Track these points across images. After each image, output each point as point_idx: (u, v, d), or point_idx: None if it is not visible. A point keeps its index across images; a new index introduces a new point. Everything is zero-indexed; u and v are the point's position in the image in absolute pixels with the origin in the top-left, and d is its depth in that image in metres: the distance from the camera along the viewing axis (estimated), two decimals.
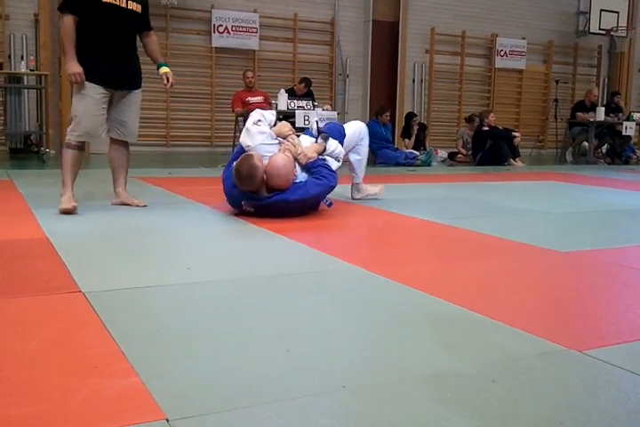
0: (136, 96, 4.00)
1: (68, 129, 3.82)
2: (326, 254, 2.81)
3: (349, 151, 4.49)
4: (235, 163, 3.64)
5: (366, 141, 4.55)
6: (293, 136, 3.94)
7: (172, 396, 1.35)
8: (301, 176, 3.78)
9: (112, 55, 3.80)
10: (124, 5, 3.80)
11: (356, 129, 4.45)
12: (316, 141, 4.03)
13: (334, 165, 4.02)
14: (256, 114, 4.00)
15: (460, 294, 2.21)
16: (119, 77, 3.85)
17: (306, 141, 4.05)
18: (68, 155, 3.81)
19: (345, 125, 4.43)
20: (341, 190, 4.67)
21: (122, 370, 1.47)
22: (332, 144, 4.07)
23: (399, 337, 1.76)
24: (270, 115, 4.08)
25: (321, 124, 4.36)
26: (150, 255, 2.74)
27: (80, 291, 2.11)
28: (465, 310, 2.01)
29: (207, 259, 2.73)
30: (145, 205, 3.99)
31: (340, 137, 4.23)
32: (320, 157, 3.93)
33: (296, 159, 3.77)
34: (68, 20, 3.67)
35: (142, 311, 1.95)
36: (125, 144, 4.05)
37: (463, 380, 1.47)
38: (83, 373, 1.45)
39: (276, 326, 1.82)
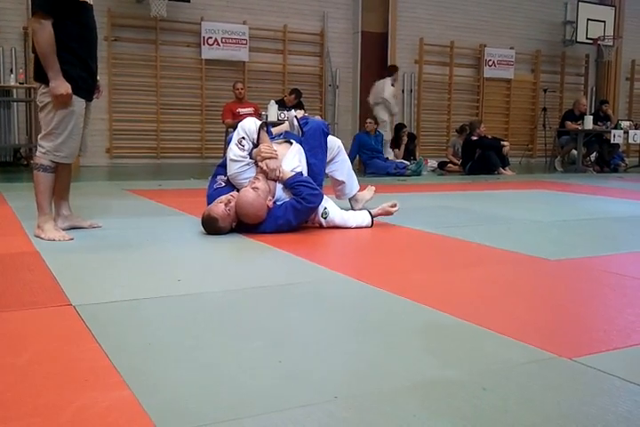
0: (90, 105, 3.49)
1: (48, 147, 3.25)
2: (317, 265, 2.81)
3: (329, 170, 4.35)
4: (204, 211, 3.53)
5: (342, 157, 4.37)
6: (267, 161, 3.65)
7: (164, 409, 1.34)
8: (281, 195, 3.67)
9: (92, 60, 3.36)
10: (91, 2, 3.33)
11: (331, 145, 4.25)
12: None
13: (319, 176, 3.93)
14: (240, 129, 3.77)
15: (451, 302, 2.22)
16: (94, 87, 3.45)
17: (287, 150, 3.85)
18: (47, 179, 3.27)
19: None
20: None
21: (113, 383, 1.47)
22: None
23: (391, 346, 1.76)
24: (252, 124, 3.78)
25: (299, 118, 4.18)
26: (141, 268, 2.73)
27: (70, 304, 2.11)
28: (456, 318, 2.02)
29: (198, 270, 2.73)
30: (100, 226, 3.64)
31: (323, 136, 4.07)
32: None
33: (274, 179, 3.64)
34: (49, 26, 3.10)
35: (133, 324, 1.94)
36: None
37: (454, 388, 1.47)
38: (74, 386, 1.45)
39: (267, 337, 1.82)
